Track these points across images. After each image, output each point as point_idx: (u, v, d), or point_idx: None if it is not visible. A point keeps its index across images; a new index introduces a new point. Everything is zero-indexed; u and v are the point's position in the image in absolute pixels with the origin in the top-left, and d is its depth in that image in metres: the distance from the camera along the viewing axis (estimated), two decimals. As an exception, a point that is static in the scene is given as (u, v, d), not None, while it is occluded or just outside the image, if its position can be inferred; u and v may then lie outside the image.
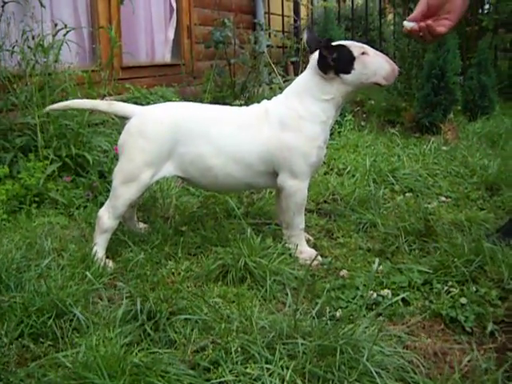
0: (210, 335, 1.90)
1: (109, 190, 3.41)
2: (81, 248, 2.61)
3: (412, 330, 1.99)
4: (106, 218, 2.57)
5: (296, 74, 5.33)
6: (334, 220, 3.11)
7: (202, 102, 2.87)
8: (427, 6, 2.36)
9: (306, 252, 2.61)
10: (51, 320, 1.96)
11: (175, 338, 1.91)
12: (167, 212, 3.18)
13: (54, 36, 3.94)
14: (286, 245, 2.61)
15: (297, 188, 2.60)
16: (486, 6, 7.49)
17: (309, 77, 2.62)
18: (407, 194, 3.54)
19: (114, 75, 5.03)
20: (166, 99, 5.24)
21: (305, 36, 2.72)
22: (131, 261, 2.47)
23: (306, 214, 3.16)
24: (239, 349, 1.75)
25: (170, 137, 2.57)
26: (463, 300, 2.12)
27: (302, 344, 1.71)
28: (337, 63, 2.53)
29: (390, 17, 8.59)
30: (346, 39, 7.39)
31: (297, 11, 8.07)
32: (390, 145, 4.80)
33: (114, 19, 5.25)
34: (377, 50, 2.65)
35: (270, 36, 7.04)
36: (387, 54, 2.69)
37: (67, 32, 3.96)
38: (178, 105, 2.78)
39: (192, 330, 1.94)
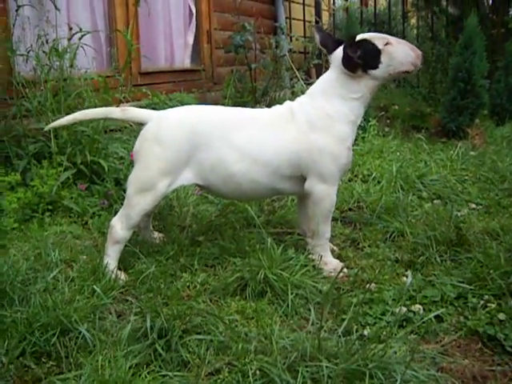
0: (227, 356, 1.75)
1: (124, 198, 3.36)
2: (92, 259, 2.49)
3: (447, 349, 1.83)
4: (119, 228, 2.44)
5: (318, 77, 5.17)
6: (360, 229, 2.95)
7: None
8: None
9: (331, 263, 2.46)
10: (55, 337, 1.82)
11: (188, 359, 1.77)
12: (184, 221, 3.04)
13: (69, 40, 3.84)
14: (310, 255, 2.47)
15: (326, 193, 2.46)
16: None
17: (334, 76, 2.49)
18: (436, 201, 3.37)
19: (131, 80, 4.97)
20: (187, 105, 5.13)
21: (316, 37, 2.58)
22: (144, 273, 2.34)
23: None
24: (257, 371, 1.61)
25: (187, 142, 2.43)
26: (501, 316, 1.96)
27: (326, 367, 1.56)
28: (363, 60, 2.41)
29: (414, 20, 8.42)
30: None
31: (318, 15, 7.93)
32: (415, 150, 4.62)
33: (131, 23, 5.16)
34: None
35: (291, 40, 6.92)
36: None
37: (82, 36, 3.86)
38: (195, 108, 2.63)
39: (207, 350, 1.80)
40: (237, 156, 2.43)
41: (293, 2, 8.23)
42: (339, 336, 1.79)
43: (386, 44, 2.43)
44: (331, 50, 2.53)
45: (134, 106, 4.88)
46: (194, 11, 6.19)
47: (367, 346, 1.63)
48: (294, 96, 4.82)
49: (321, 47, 2.58)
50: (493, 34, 6.81)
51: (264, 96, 5.13)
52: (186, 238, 2.72)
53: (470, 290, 2.16)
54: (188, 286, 2.31)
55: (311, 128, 2.44)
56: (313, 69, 5.26)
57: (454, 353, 1.82)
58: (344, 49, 2.41)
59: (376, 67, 2.43)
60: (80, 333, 1.84)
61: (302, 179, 2.50)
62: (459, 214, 3.11)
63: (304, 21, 7.81)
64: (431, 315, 1.95)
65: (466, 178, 3.88)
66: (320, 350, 1.63)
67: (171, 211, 3.11)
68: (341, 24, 8.11)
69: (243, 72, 5.78)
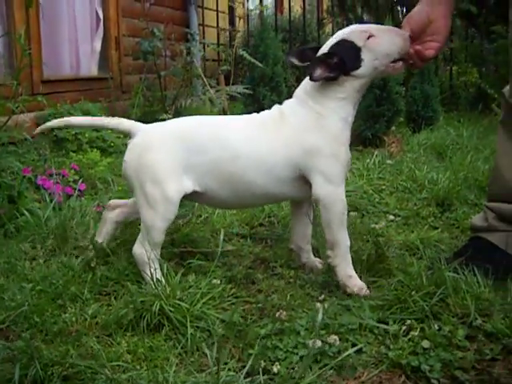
0: (114, 407, 1.48)
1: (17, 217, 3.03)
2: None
3: (366, 386, 1.62)
4: (144, 251, 2.26)
5: (227, 84, 4.99)
6: (271, 246, 2.73)
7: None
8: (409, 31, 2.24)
9: (356, 278, 2.23)
10: None
11: (68, 414, 1.49)
12: (81, 242, 2.74)
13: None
14: (335, 270, 2.26)
15: (335, 195, 2.25)
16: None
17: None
18: (352, 213, 3.18)
19: (32, 89, 4.62)
20: (92, 115, 4.83)
21: (294, 61, 2.36)
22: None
23: (238, 241, 2.82)
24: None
25: (179, 147, 2.28)
26: (425, 343, 1.76)
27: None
28: (342, 66, 2.21)
29: (329, 28, 8.36)
30: (282, 50, 7.11)
31: (232, 22, 7.76)
32: (331, 159, 4.45)
33: (33, 28, 4.81)
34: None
35: (204, 48, 6.71)
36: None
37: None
38: (183, 118, 2.49)
39: (91, 400, 1.52)
40: (230, 155, 2.28)
41: (206, 8, 8.03)
42: (244, 377, 1.55)
43: (369, 38, 2.21)
44: (312, 59, 2.32)
45: (35, 116, 4.61)
46: (101, 16, 5.90)
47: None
48: (203, 104, 4.60)
49: (303, 64, 2.36)
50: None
51: (173, 104, 4.87)
52: (79, 263, 2.42)
53: (391, 314, 1.95)
54: (77, 320, 2.02)
55: (305, 129, 2.26)
56: (221, 75, 5.05)
57: (375, 390, 1.61)
58: (313, 65, 2.20)
59: (358, 67, 2.22)
60: None
61: (302, 183, 2.30)
62: (377, 226, 2.94)
63: (218, 27, 7.60)
64: (348, 348, 1.73)
65: (384, 187, 3.73)
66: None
67: (65, 232, 2.80)
68: (255, 31, 7.95)
69: (152, 80, 5.53)
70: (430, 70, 5.68)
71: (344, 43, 2.24)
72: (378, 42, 2.22)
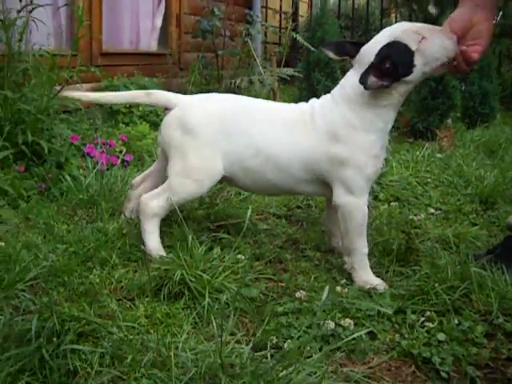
0: (122, 367, 1.52)
1: (62, 182, 3.12)
2: (8, 246, 2.24)
3: (374, 372, 1.61)
4: (155, 203, 2.31)
5: (279, 66, 4.96)
6: (305, 229, 2.73)
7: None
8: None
9: (373, 282, 2.15)
10: None
11: (78, 368, 1.53)
12: (121, 205, 2.79)
13: (18, 12, 3.57)
14: (353, 276, 2.22)
15: (355, 206, 2.18)
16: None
17: (358, 82, 2.10)
18: (392, 204, 3.15)
19: (87, 61, 4.70)
20: (147, 89, 4.89)
21: (329, 54, 2.24)
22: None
23: (273, 221, 2.83)
24: (147, 389, 1.37)
25: (213, 132, 2.29)
26: (441, 336, 1.74)
27: (225, 390, 1.33)
28: (394, 70, 2.07)
29: (393, 17, 8.23)
30: (344, 37, 7.04)
31: (296, 6, 7.72)
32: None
33: (95, 1, 4.89)
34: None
35: (266, 32, 6.70)
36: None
37: (33, 9, 3.59)
38: (222, 97, 2.47)
39: (102, 357, 1.56)
40: (253, 151, 2.27)
41: (271, -10, 8.02)
42: (255, 350, 1.57)
43: (421, 41, 2.08)
44: (353, 55, 2.20)
45: (92, 87, 4.70)
46: (163, -7, 5.94)
47: (278, 365, 1.40)
48: (253, 85, 4.61)
49: (339, 58, 2.24)
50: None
51: (223, 83, 4.88)
52: (113, 229, 2.48)
53: (412, 304, 1.94)
54: (103, 282, 2.07)
55: (331, 138, 2.18)
56: (273, 57, 5.03)
57: (383, 376, 1.60)
58: (367, 73, 2.05)
59: (410, 73, 2.10)
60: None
61: (321, 183, 2.27)
62: (415, 218, 2.90)
63: (280, 11, 7.58)
64: (361, 332, 1.73)
65: (429, 180, 3.68)
66: (222, 367, 1.40)
67: (108, 193, 2.87)
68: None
69: (210, 59, 5.56)
70: (490, 66, 5.53)
71: (397, 46, 2.08)
72: (430, 46, 2.09)
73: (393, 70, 2.06)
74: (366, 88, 2.05)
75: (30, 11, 3.57)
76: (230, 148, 2.28)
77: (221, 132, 2.28)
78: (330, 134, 2.18)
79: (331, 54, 2.25)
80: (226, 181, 2.41)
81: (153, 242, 2.29)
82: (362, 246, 2.21)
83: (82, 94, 2.56)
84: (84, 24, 3.94)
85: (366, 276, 2.19)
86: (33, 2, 3.58)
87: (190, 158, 2.28)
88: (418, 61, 2.09)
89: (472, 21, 2.15)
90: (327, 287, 1.69)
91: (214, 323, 1.67)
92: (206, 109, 2.34)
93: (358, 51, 2.19)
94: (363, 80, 2.04)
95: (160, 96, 2.42)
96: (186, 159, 2.29)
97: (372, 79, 2.04)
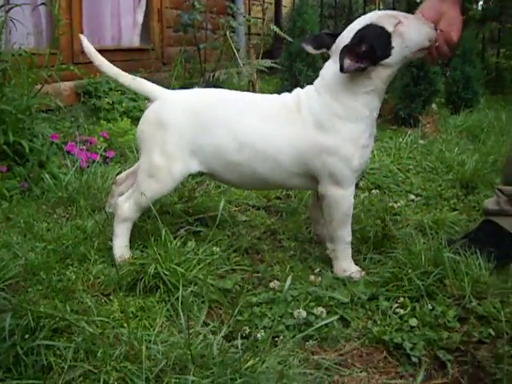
0: (97, 361, 1.53)
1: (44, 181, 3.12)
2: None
3: (346, 359, 1.63)
4: (126, 207, 2.29)
5: (257, 58, 4.96)
6: (285, 219, 2.74)
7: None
8: None
9: (351, 270, 2.17)
10: None
11: (52, 363, 1.55)
12: (101, 202, 2.81)
13: (-5, 12, 3.57)
14: (333, 263, 2.24)
15: (341, 196, 2.17)
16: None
17: (337, 69, 2.08)
18: (373, 191, 3.16)
19: (68, 59, 4.69)
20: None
21: (308, 49, 2.23)
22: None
23: (252, 212, 2.84)
24: (117, 381, 1.38)
25: (190, 127, 2.25)
26: (413, 321, 1.76)
27: (192, 381, 1.34)
28: (371, 54, 2.05)
29: (376, 5, 8.23)
30: (327, 27, 7.03)
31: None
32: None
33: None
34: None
35: (250, 24, 6.68)
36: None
37: (10, 9, 3.59)
38: (204, 91, 2.46)
39: (76, 353, 1.58)
40: (236, 145, 2.21)
41: (253, -19, 8.01)
42: (228, 341, 1.59)
43: (397, 24, 2.07)
44: (329, 46, 2.19)
45: (75, 84, 4.70)
46: (143, -12, 5.93)
47: (244, 356, 1.42)
48: (232, 76, 4.61)
49: (318, 52, 2.25)
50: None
51: (212, 77, 4.87)
52: (91, 225, 2.49)
53: (386, 291, 1.95)
54: (81, 279, 2.09)
55: (318, 128, 2.14)
56: (251, 49, 5.03)
57: (354, 363, 1.62)
58: (343, 54, 2.02)
59: (388, 55, 2.09)
60: None
61: (311, 177, 2.23)
62: (395, 205, 2.92)
63: (263, 2, 7.57)
64: (332, 319, 1.74)
65: (411, 167, 3.70)
66: (192, 358, 1.42)
67: (87, 190, 2.88)
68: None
69: (193, 52, 5.56)
70: (471, 51, 5.54)
71: (373, 28, 2.08)
72: (408, 29, 2.08)
73: (370, 51, 2.05)
74: (342, 71, 2.02)
75: (8, 11, 3.56)
76: (209, 143, 2.23)
77: (198, 126, 2.24)
78: (316, 124, 2.15)
79: (310, 49, 2.24)
80: (207, 175, 2.39)
81: (118, 245, 2.27)
82: (345, 235, 2.21)
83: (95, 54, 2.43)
84: (62, 22, 3.95)
85: (346, 264, 2.19)
86: (9, 1, 3.59)
87: (154, 155, 2.25)
88: (396, 43, 2.08)
89: (441, 10, 2.19)
90: (290, 276, 1.69)
91: (182, 315, 1.67)
92: (183, 102, 2.31)
93: (335, 42, 2.18)
94: (340, 63, 2.02)
95: (144, 84, 2.36)
96: (152, 157, 2.26)
97: (348, 61, 2.01)
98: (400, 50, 2.09)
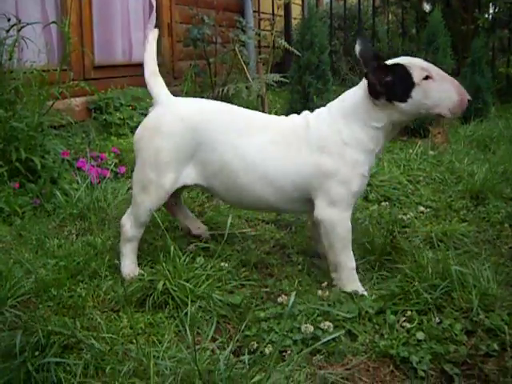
0: (106, 377, 1.55)
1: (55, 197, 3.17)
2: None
3: (353, 373, 1.64)
4: (129, 226, 2.31)
5: (267, 71, 4.98)
6: (295, 233, 2.75)
7: None
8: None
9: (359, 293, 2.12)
10: None
11: (62, 380, 1.57)
12: (111, 217, 2.84)
13: (7, 32, 3.62)
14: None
15: (338, 218, 2.15)
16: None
17: (359, 96, 2.16)
18: (383, 203, 3.18)
19: (80, 75, 4.74)
20: (141, 100, 4.94)
21: (357, 48, 2.22)
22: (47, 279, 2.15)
23: (262, 226, 2.86)
24: (126, 399, 1.40)
25: (189, 137, 2.23)
26: (420, 335, 1.77)
27: (199, 398, 1.36)
28: (389, 89, 2.08)
29: (385, 16, 8.24)
30: (337, 39, 7.04)
31: (287, 10, 7.75)
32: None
33: (85, 15, 4.94)
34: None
35: (259, 38, 6.71)
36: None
37: (22, 27, 3.65)
38: (206, 102, 2.42)
39: (86, 369, 1.60)
40: (242, 166, 2.20)
41: (262, -5, 8.05)
42: (236, 356, 1.60)
43: (426, 78, 2.07)
44: (366, 64, 2.17)
45: (87, 100, 4.75)
46: (154, 3, 5.97)
47: (250, 371, 1.44)
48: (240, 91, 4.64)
49: (359, 58, 2.21)
50: (462, 30, 6.66)
51: (223, 91, 4.89)
52: (102, 242, 2.52)
53: (393, 304, 1.96)
54: (91, 295, 2.11)
55: (322, 151, 2.16)
56: (259, 63, 5.05)
57: (361, 377, 1.63)
58: (368, 71, 2.08)
59: (404, 101, 2.09)
60: None
61: (311, 201, 2.23)
62: (405, 217, 2.92)
63: (273, 15, 7.60)
64: (339, 333, 1.75)
65: (421, 178, 3.70)
66: (199, 374, 1.44)
67: (98, 206, 2.91)
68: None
69: (203, 66, 5.60)
70: (481, 61, 5.53)
71: (402, 70, 2.09)
72: (435, 89, 2.07)
73: (390, 84, 2.08)
74: (366, 76, 2.07)
75: (19, 30, 3.62)
76: (214, 159, 2.23)
77: (200, 138, 2.23)
78: (321, 148, 2.16)
79: (357, 49, 2.22)
80: (201, 188, 2.38)
81: (126, 264, 2.29)
82: (347, 261, 2.17)
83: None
84: (72, 40, 4.00)
85: (354, 288, 2.13)
86: (21, 21, 3.64)
87: (147, 168, 2.24)
88: (416, 95, 2.08)
89: None
90: (294, 293, 1.71)
91: (189, 331, 1.69)
92: (184, 111, 2.28)
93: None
94: (370, 68, 2.06)
95: (154, 85, 2.37)
96: (144, 169, 2.25)
97: (373, 76, 2.07)
98: (418, 103, 2.09)
